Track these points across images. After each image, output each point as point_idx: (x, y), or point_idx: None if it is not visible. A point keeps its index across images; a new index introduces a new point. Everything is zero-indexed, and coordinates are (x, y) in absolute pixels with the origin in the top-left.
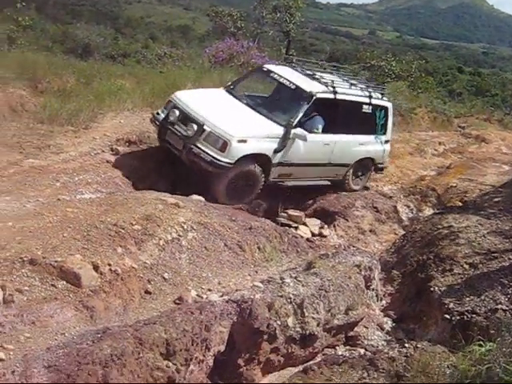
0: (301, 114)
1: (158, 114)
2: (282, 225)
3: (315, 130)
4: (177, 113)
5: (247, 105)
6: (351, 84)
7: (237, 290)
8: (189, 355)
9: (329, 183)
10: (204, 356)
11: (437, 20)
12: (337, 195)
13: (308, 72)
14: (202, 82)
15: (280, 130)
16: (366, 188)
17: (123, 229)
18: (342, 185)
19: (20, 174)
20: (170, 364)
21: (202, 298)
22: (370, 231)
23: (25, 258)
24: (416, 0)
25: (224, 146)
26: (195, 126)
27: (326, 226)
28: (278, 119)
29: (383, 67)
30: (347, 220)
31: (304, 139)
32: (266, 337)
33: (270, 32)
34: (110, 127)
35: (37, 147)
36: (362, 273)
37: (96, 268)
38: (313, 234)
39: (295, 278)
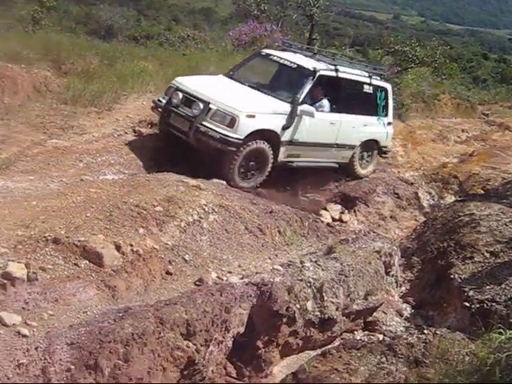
0: (306, 91)
1: (159, 100)
2: (303, 209)
3: (323, 109)
4: (180, 95)
5: (250, 86)
6: (351, 64)
7: (257, 273)
8: (209, 336)
9: (336, 166)
10: (223, 337)
11: (462, 5)
12: (357, 180)
13: (307, 53)
14: (225, 64)
15: (287, 107)
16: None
17: (145, 210)
18: (349, 170)
19: (43, 154)
20: (190, 344)
21: (222, 280)
22: (391, 217)
23: (48, 237)
24: None
25: (232, 122)
26: (201, 105)
27: (346, 211)
28: (283, 97)
29: (407, 52)
30: (368, 205)
31: (311, 115)
32: (285, 320)
33: (293, 15)
34: (133, 109)
35: (60, 128)
36: (382, 259)
37: (118, 248)
38: (333, 219)
39: (315, 262)
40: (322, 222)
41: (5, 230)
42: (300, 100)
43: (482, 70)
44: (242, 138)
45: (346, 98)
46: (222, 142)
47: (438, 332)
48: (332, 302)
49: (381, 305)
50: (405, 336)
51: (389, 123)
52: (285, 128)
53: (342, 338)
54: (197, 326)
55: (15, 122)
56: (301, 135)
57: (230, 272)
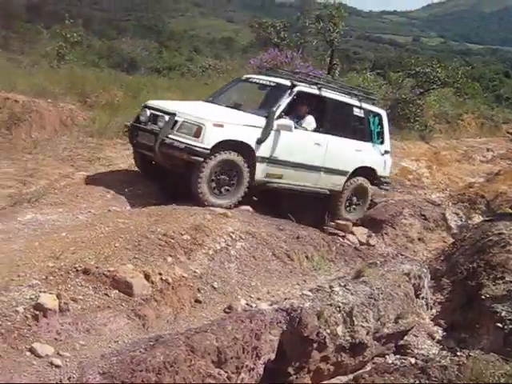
0: (283, 104)
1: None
2: (330, 234)
3: (306, 128)
4: (147, 112)
5: (227, 106)
6: (338, 87)
7: (286, 299)
8: (240, 363)
9: (327, 192)
10: (254, 364)
11: (482, 25)
12: (384, 203)
13: (289, 76)
14: None
15: (261, 120)
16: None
17: (173, 239)
18: (334, 208)
19: (71, 186)
20: (222, 372)
21: (251, 306)
22: (419, 239)
23: (79, 268)
24: (460, 5)
25: (198, 131)
26: (166, 117)
27: (373, 234)
28: (259, 113)
29: (428, 74)
30: (395, 228)
31: (289, 129)
32: (315, 345)
33: (313, 42)
34: None
35: (87, 160)
36: (412, 281)
37: (147, 277)
38: (360, 243)
39: (344, 286)
40: (349, 246)
41: (36, 262)
42: (276, 114)
43: (504, 88)
44: (208, 147)
45: (334, 119)
46: (188, 153)
47: (471, 354)
48: (362, 326)
49: (412, 328)
50: (438, 359)
51: (386, 152)
52: (259, 142)
53: (373, 363)
54: (228, 353)
55: (43, 155)
56: (281, 152)
57: (259, 299)
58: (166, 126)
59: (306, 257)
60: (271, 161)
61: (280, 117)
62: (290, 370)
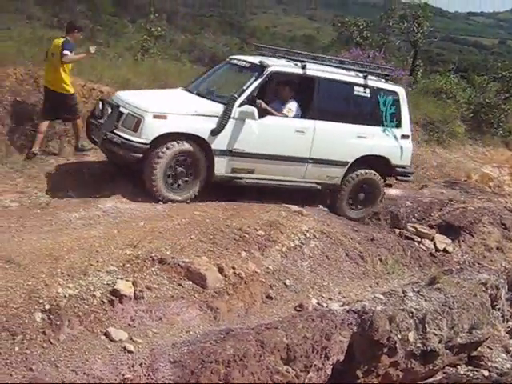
0: (250, 89)
1: None
2: (405, 238)
3: (286, 114)
4: (100, 105)
5: (196, 94)
6: (333, 63)
7: (357, 301)
8: (308, 362)
9: (318, 187)
10: (323, 364)
11: None
12: (462, 209)
13: (279, 55)
14: None
15: (218, 108)
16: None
17: (247, 234)
18: (335, 204)
19: None
20: (290, 369)
21: (322, 306)
22: (497, 249)
23: (155, 257)
24: None
25: (137, 125)
26: (109, 109)
27: (450, 241)
28: (220, 99)
29: None
30: (473, 236)
31: (252, 117)
32: (385, 350)
33: (396, 42)
34: None
35: None
36: (488, 291)
37: (221, 270)
38: (436, 249)
39: (418, 292)
40: (425, 251)
41: (114, 249)
42: (239, 100)
43: None
44: (147, 142)
45: (324, 101)
46: (124, 148)
47: None
48: (435, 334)
49: (486, 339)
50: None
51: (404, 136)
52: (215, 133)
53: (444, 372)
54: (297, 351)
55: None
56: (248, 144)
57: (330, 299)
58: (108, 120)
59: (380, 259)
60: (236, 154)
61: (247, 103)
62: (359, 372)
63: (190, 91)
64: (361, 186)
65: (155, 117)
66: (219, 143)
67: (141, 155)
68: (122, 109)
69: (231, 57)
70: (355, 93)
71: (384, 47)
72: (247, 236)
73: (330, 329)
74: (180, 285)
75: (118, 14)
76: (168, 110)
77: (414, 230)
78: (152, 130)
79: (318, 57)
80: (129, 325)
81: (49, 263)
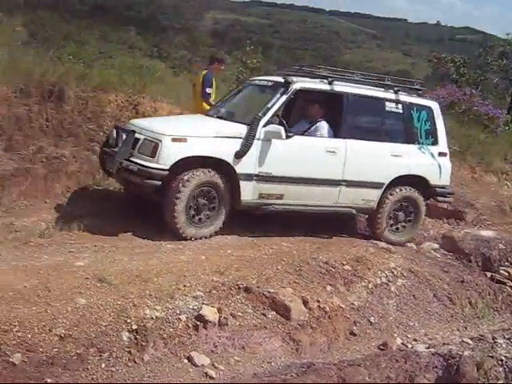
0: (275, 107)
1: None
2: (497, 281)
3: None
4: (114, 133)
5: (216, 118)
6: (362, 78)
7: (444, 344)
8: None
9: (353, 212)
10: None
11: None
12: None
13: (304, 73)
14: None
15: (241, 128)
16: None
17: (334, 268)
18: (373, 226)
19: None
20: None
21: (407, 346)
22: None
23: (241, 286)
24: None
25: (155, 149)
26: (124, 135)
27: None
28: (243, 120)
29: None
30: None
31: (279, 137)
32: None
33: (494, 79)
34: None
35: None
36: None
37: (305, 303)
38: None
39: (509, 339)
40: None
41: (201, 275)
42: (263, 119)
43: None
44: (165, 168)
45: (355, 118)
46: (141, 176)
47: None
48: None
49: None
50: None
51: (441, 154)
52: (240, 155)
53: None
54: None
55: None
56: (275, 167)
57: (415, 340)
58: (123, 147)
59: (470, 303)
60: (263, 178)
61: (271, 122)
62: None
63: (209, 115)
64: (400, 204)
65: (174, 140)
66: (244, 166)
67: (159, 182)
68: (137, 135)
69: (252, 78)
70: (387, 109)
71: (481, 84)
72: (333, 270)
73: (414, 371)
74: (264, 314)
75: (216, 46)
76: (187, 132)
77: (507, 274)
78: (171, 154)
79: (343, 71)
80: (212, 351)
81: (138, 284)
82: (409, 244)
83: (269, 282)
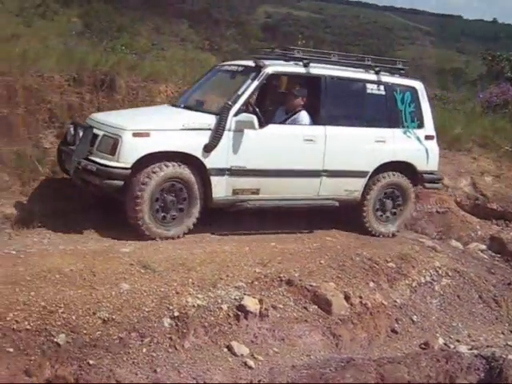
0: (245, 95)
1: None
2: None
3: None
4: (71, 129)
5: (183, 108)
6: (340, 58)
7: (487, 346)
8: None
9: (336, 204)
10: None
11: None
12: None
13: (276, 55)
14: (473, 126)
15: (210, 119)
16: None
17: (377, 264)
18: (358, 219)
19: None
20: None
21: (449, 347)
22: None
23: (283, 278)
24: None
25: (114, 146)
26: (81, 132)
27: None
28: (212, 109)
29: None
30: None
31: (252, 126)
32: None
33: None
34: None
35: None
36: None
37: (347, 298)
38: None
39: None
40: None
41: (244, 266)
42: (234, 108)
43: None
44: (127, 166)
45: (334, 103)
46: (100, 176)
47: None
48: None
49: None
50: None
51: (428, 137)
52: (209, 149)
53: None
54: None
55: None
56: (249, 160)
57: (458, 340)
58: (81, 145)
59: None
60: (236, 172)
61: (243, 111)
62: None
63: (176, 106)
64: (385, 192)
65: (135, 135)
66: (215, 160)
67: (121, 183)
68: (96, 130)
69: (221, 64)
70: (368, 91)
71: None
72: (377, 267)
73: (455, 371)
74: (305, 308)
75: (267, 40)
76: (150, 125)
77: None
78: (132, 151)
79: (321, 52)
80: (251, 341)
81: (181, 272)
82: (455, 243)
83: (311, 275)
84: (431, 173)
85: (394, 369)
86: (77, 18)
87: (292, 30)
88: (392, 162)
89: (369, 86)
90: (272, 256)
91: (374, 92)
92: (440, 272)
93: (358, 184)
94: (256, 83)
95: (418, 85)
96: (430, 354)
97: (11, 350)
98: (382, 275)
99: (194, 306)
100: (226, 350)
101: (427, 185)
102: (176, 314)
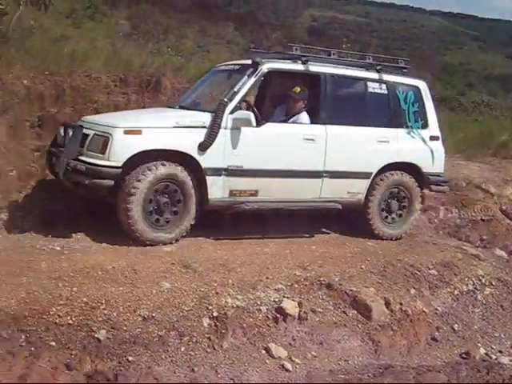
0: (242, 92)
1: None
2: None
3: None
4: (61, 131)
5: (179, 107)
6: (340, 56)
7: None
8: None
9: (338, 207)
10: None
11: None
12: None
13: (274, 53)
14: None
15: (205, 117)
16: None
17: (419, 271)
18: (363, 221)
19: None
20: None
21: (490, 357)
22: None
23: (323, 282)
24: None
25: (104, 144)
26: (70, 132)
27: None
28: (207, 108)
29: None
30: None
31: (249, 124)
32: None
33: None
34: None
35: None
36: None
37: (387, 304)
38: None
39: None
40: None
41: (284, 268)
42: (230, 105)
43: None
44: (117, 165)
45: (334, 102)
46: (89, 176)
47: None
48: None
49: None
50: None
51: (433, 137)
52: (204, 147)
53: None
54: None
55: None
56: (247, 159)
57: (500, 351)
58: (70, 145)
59: None
60: (233, 172)
61: (239, 108)
62: None
63: (172, 107)
64: (390, 192)
65: (126, 132)
66: (211, 160)
67: (111, 182)
68: (86, 130)
69: (218, 64)
70: (369, 90)
71: None
72: (418, 273)
73: (496, 383)
74: (344, 312)
75: (312, 43)
76: (142, 123)
77: None
78: (123, 149)
79: (320, 50)
80: (289, 344)
81: (222, 273)
82: (499, 252)
83: (352, 280)
84: (437, 175)
85: (433, 377)
86: (124, 20)
87: (338, 33)
88: (396, 162)
89: (370, 84)
90: (312, 259)
91: (375, 91)
92: (483, 281)
93: (362, 186)
94: (253, 80)
95: (421, 84)
96: (471, 363)
97: (53, 343)
98: (423, 282)
99: (233, 306)
100: (263, 351)
101: (433, 187)
102: (215, 314)
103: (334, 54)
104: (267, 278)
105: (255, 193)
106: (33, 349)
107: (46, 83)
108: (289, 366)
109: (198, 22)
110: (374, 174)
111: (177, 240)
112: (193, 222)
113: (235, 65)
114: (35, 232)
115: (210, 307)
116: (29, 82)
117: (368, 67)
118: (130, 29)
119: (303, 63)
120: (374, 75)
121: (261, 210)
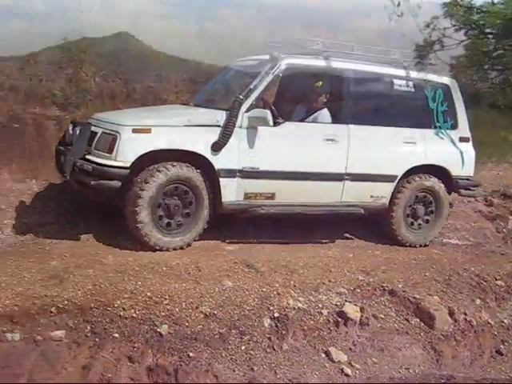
0: (259, 89)
1: None
2: None
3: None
4: (70, 129)
5: (194, 105)
6: (368, 55)
7: None
8: None
9: (361, 212)
10: None
11: None
12: None
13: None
14: None
15: (219, 115)
16: None
17: (485, 281)
18: (387, 227)
19: None
20: None
21: None
22: None
23: (386, 288)
24: None
25: (112, 143)
26: (77, 130)
27: None
28: (222, 106)
29: None
30: None
31: (266, 123)
32: None
33: None
34: (488, 178)
35: None
36: None
37: (451, 314)
38: None
39: None
40: None
41: (347, 272)
42: (246, 103)
43: None
44: (125, 165)
45: (357, 100)
46: (96, 176)
47: None
48: None
49: None
50: None
51: (462, 139)
52: (218, 147)
53: None
54: None
55: None
56: (263, 160)
57: None
58: (77, 143)
59: None
60: (249, 174)
61: (256, 107)
62: None
63: (186, 105)
64: (416, 196)
65: (135, 131)
66: (225, 160)
67: (118, 184)
68: (94, 128)
69: (236, 61)
70: (396, 87)
71: None
72: (484, 284)
73: None
74: (406, 320)
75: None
76: (151, 121)
77: None
78: (131, 148)
79: (340, 45)
80: (350, 349)
81: (284, 274)
82: None
83: (415, 287)
84: (467, 178)
85: None
86: None
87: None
88: (423, 165)
89: (396, 81)
90: (376, 264)
91: (402, 89)
92: None
93: (386, 189)
94: (271, 77)
95: (450, 82)
96: None
97: (117, 335)
98: (489, 293)
99: (294, 308)
100: (323, 355)
101: (463, 192)
102: (276, 314)
103: (357, 50)
104: (329, 281)
105: (272, 196)
106: (97, 339)
107: (117, 81)
108: (348, 370)
109: None
110: (399, 177)
111: (189, 244)
112: (205, 226)
113: (253, 60)
114: (101, 227)
115: (272, 308)
116: (101, 80)
117: (394, 63)
118: None
119: (325, 59)
120: (400, 72)
121: (278, 214)
